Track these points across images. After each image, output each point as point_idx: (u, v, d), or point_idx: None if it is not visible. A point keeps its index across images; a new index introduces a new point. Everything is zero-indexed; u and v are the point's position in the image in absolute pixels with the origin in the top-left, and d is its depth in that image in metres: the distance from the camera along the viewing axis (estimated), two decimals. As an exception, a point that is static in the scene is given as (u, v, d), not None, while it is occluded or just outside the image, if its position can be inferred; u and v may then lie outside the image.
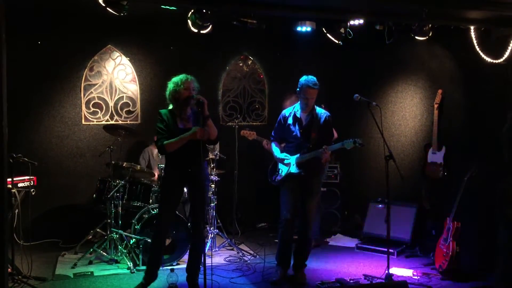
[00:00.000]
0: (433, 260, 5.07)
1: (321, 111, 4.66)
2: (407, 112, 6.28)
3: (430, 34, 5.24)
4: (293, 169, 4.58)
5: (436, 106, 5.62)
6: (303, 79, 4.52)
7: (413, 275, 4.85)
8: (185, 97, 4.11)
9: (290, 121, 4.67)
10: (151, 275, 4.28)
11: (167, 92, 4.20)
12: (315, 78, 4.53)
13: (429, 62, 6.02)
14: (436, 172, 5.57)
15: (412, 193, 5.92)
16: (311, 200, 4.64)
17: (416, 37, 5.27)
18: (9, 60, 3.68)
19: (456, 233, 4.78)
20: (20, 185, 4.64)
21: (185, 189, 4.69)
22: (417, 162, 6.02)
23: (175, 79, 4.19)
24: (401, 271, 4.95)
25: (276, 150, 4.76)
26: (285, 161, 4.63)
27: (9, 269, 4.20)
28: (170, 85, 4.18)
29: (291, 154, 4.65)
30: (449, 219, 4.87)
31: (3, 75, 3.59)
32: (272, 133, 4.88)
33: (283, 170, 4.69)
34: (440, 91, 5.66)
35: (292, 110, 4.72)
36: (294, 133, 4.64)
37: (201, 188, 4.16)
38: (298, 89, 4.59)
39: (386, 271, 4.41)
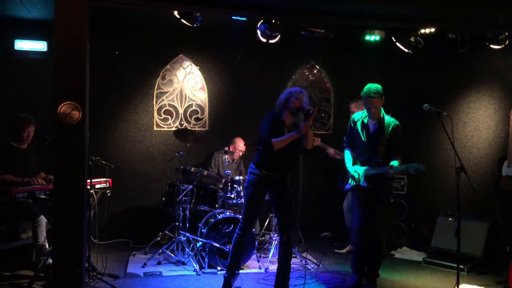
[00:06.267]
0: (507, 278, 4.83)
1: (390, 120, 4.61)
2: (480, 123, 6.05)
3: (506, 43, 5.04)
4: (362, 183, 4.61)
5: (512, 117, 5.38)
6: (366, 87, 4.54)
7: (485, 293, 4.66)
8: (296, 107, 4.25)
9: (358, 126, 4.68)
10: (235, 270, 4.38)
11: (280, 100, 4.31)
12: (378, 86, 4.50)
13: (505, 71, 5.78)
14: (511, 186, 5.31)
15: (484, 207, 5.68)
16: (379, 209, 4.61)
17: (491, 46, 5.08)
18: (89, 68, 3.94)
19: (533, 251, 4.54)
20: (97, 186, 4.91)
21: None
22: (491, 175, 5.78)
23: (291, 89, 4.34)
24: (471, 288, 4.77)
25: (348, 161, 4.76)
26: (355, 176, 4.64)
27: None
28: (284, 94, 4.32)
29: (359, 160, 4.68)
30: (525, 236, 4.64)
31: (86, 83, 3.85)
32: (344, 139, 4.88)
33: (352, 181, 4.72)
34: (516, 101, 5.42)
35: (361, 115, 4.72)
36: (361, 139, 4.65)
37: (286, 195, 4.28)
38: (362, 97, 4.62)
39: (456, 287, 4.26)
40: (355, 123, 4.73)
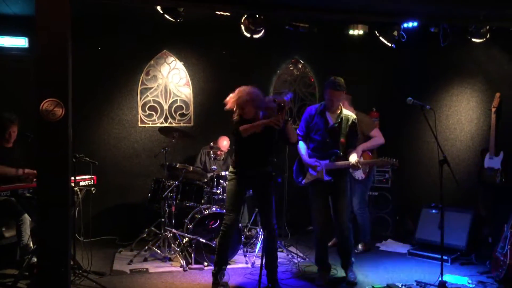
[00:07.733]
0: (490, 268, 4.92)
1: (348, 114, 4.62)
2: (462, 116, 6.12)
3: (487, 36, 5.10)
4: (324, 177, 4.56)
5: (493, 109, 5.46)
6: (330, 79, 4.52)
7: (468, 283, 4.72)
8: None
9: (316, 118, 4.62)
10: (220, 267, 4.40)
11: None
12: (341, 80, 4.50)
13: (486, 64, 5.85)
14: (493, 178, 5.41)
15: (467, 199, 5.77)
16: (341, 200, 4.65)
17: (473, 39, 5.13)
18: (72, 64, 3.89)
19: (514, 241, 4.62)
20: (81, 183, 4.87)
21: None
22: (473, 167, 5.86)
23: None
24: (455, 279, 4.83)
25: (304, 153, 4.68)
26: (317, 168, 4.59)
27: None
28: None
29: (318, 154, 4.60)
30: (507, 226, 4.71)
31: (69, 79, 3.81)
32: (298, 131, 4.72)
33: (311, 175, 4.66)
34: (498, 94, 5.49)
35: (318, 107, 4.66)
36: (320, 132, 4.58)
37: (265, 189, 4.31)
38: (324, 89, 4.60)
39: (440, 278, 4.33)
40: (312, 116, 4.64)
